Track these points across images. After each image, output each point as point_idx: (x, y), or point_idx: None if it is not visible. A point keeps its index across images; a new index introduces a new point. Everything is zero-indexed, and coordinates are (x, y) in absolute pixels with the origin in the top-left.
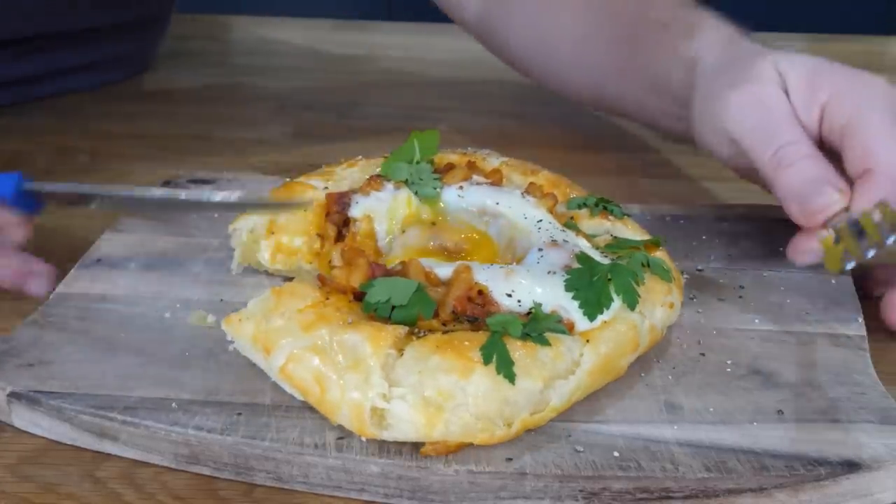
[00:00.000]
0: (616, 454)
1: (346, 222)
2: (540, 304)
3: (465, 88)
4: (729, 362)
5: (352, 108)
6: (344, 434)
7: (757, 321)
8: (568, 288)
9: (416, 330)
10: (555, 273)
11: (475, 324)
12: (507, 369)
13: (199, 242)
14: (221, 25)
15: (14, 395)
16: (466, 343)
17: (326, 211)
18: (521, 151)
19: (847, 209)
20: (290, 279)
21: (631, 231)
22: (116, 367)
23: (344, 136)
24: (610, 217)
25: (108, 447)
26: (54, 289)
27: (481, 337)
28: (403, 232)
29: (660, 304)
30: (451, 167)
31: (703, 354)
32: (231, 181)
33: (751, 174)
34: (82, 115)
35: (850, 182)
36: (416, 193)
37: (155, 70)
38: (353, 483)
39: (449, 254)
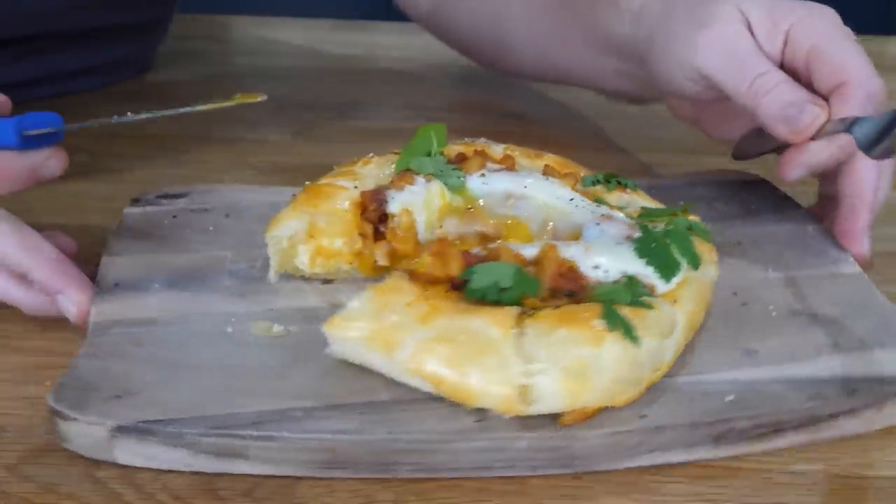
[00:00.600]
0: (730, 398)
1: (380, 219)
2: (626, 273)
3: (464, 88)
4: (771, 307)
5: (352, 108)
6: (480, 416)
7: (770, 270)
8: (640, 255)
9: (525, 309)
10: (622, 243)
11: (573, 297)
12: (631, 334)
13: (212, 255)
14: (221, 25)
15: (120, 430)
16: (586, 314)
17: (362, 209)
18: None
19: (829, 121)
20: (329, 281)
21: (646, 202)
22: (206, 387)
23: (344, 136)
24: (627, 190)
25: (226, 467)
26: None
27: (594, 307)
28: (441, 226)
29: (710, 262)
30: (463, 157)
31: (744, 304)
32: (203, 192)
33: (706, 114)
34: (82, 115)
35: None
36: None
37: (155, 70)
38: (502, 461)
39: (488, 239)
